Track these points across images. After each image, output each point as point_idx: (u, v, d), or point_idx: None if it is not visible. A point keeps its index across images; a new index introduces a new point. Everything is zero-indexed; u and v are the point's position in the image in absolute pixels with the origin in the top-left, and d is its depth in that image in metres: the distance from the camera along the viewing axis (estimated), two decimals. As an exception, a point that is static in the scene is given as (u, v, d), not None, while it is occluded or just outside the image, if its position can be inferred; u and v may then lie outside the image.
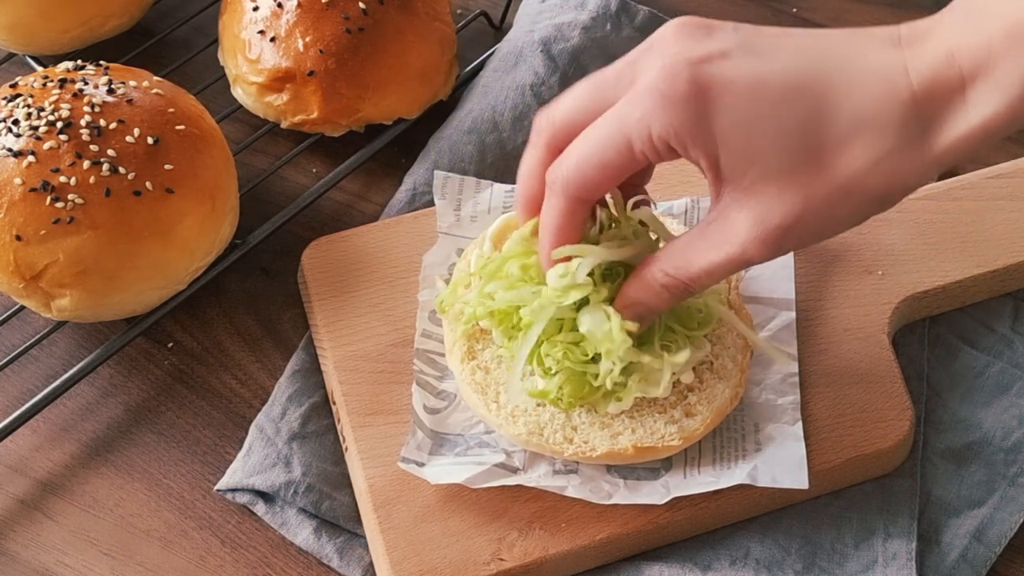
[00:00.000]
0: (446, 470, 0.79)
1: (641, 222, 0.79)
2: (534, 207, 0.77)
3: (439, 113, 1.03)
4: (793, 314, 0.86)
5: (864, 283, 0.89)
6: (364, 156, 0.99)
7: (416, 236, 0.91)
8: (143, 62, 1.00)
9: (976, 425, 0.86)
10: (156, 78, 0.93)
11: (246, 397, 0.90)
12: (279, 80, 0.97)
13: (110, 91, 0.89)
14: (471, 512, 0.80)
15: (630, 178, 0.76)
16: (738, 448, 0.81)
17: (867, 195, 0.69)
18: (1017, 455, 0.85)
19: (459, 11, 1.12)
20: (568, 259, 0.76)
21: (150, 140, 0.87)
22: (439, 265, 0.88)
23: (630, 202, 0.79)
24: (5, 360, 0.88)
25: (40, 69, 0.96)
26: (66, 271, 0.85)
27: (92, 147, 0.86)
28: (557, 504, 0.80)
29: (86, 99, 0.88)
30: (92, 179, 0.85)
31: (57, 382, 0.87)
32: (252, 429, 0.86)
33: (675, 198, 0.92)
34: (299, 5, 0.97)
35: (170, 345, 0.93)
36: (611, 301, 0.76)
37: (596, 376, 0.77)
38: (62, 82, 0.89)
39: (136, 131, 0.87)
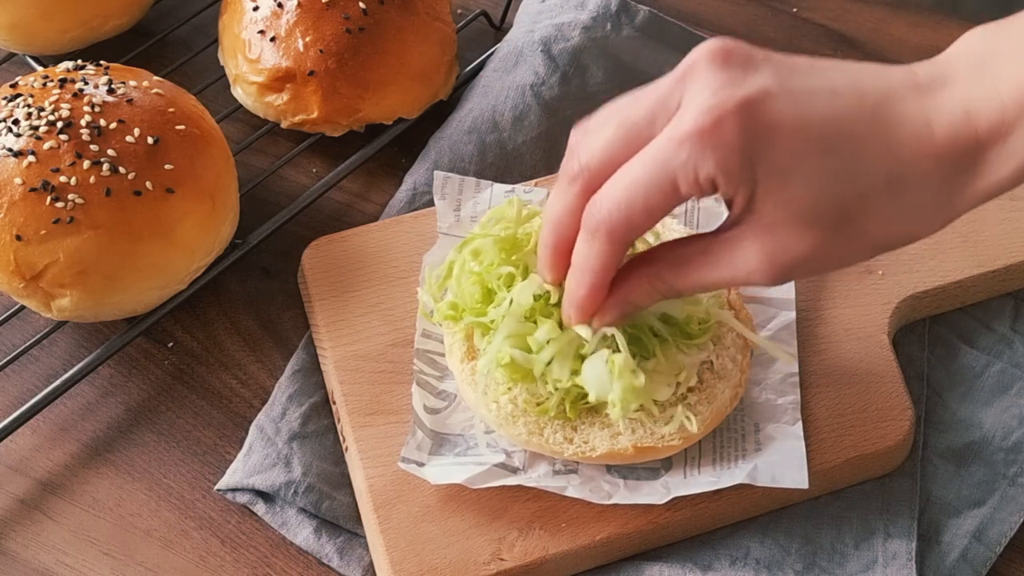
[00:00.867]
0: (446, 470, 0.79)
1: None
2: (565, 254, 0.75)
3: (439, 113, 1.03)
4: (793, 314, 0.86)
5: (864, 283, 0.89)
6: (364, 156, 0.99)
7: (416, 236, 0.91)
8: (143, 62, 0.99)
9: (976, 425, 0.86)
10: (156, 78, 0.93)
11: (246, 397, 0.90)
12: (279, 80, 0.97)
13: (110, 91, 0.89)
14: (471, 512, 0.80)
15: None
16: (738, 448, 0.81)
17: (885, 244, 0.71)
18: (1017, 455, 0.85)
19: (459, 11, 1.12)
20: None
21: (150, 140, 0.87)
22: (439, 265, 0.88)
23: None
24: (5, 360, 0.88)
25: (40, 69, 0.96)
26: (66, 271, 0.85)
27: (92, 147, 0.86)
28: (557, 504, 0.80)
29: (86, 99, 0.88)
30: (92, 179, 0.85)
31: (57, 382, 0.87)
32: (252, 429, 0.86)
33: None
34: (299, 5, 0.97)
35: (170, 345, 0.93)
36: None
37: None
38: (62, 82, 0.89)
39: (136, 131, 0.87)
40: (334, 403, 0.86)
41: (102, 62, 0.93)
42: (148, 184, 0.86)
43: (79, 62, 0.93)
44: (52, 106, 0.87)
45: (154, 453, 0.88)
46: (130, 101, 0.89)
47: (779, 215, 0.68)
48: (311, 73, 0.96)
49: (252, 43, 0.98)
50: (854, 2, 1.14)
